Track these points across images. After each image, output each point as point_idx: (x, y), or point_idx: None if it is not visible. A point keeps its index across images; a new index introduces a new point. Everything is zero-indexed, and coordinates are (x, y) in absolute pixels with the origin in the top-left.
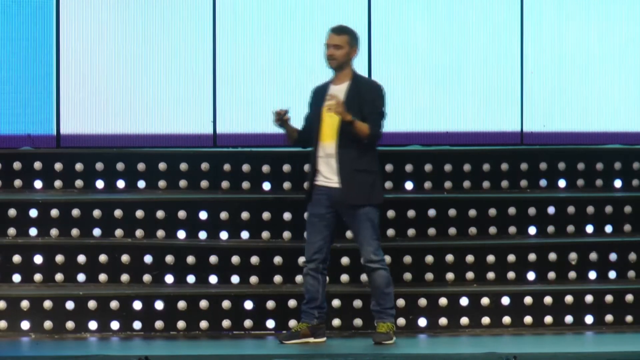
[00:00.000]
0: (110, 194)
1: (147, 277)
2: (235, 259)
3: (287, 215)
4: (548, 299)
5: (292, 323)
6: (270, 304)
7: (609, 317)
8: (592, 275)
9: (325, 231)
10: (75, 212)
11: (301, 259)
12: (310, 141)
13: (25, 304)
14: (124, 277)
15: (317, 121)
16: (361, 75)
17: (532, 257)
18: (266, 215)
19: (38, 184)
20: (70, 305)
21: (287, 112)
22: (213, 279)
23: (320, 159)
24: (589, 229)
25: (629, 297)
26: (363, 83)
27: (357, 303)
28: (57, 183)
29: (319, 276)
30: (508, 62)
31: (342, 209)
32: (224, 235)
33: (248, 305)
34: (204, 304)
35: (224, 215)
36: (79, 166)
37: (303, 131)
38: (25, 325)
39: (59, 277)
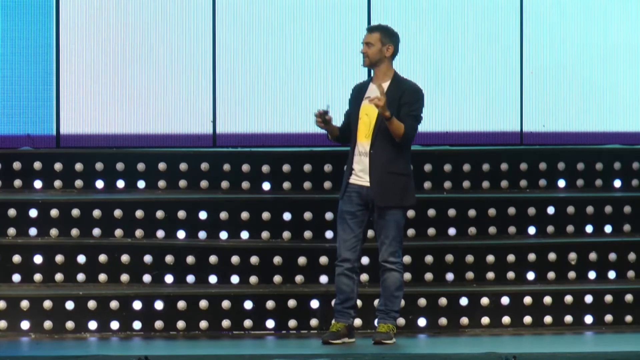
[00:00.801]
0: (110, 194)
1: (146, 277)
2: (235, 259)
3: (286, 215)
4: (548, 299)
5: (292, 323)
6: (270, 304)
7: (608, 317)
8: (592, 275)
9: (357, 229)
10: (75, 212)
11: (302, 259)
12: (350, 138)
13: (25, 304)
14: (124, 277)
15: (355, 119)
16: (402, 77)
17: (531, 257)
18: (266, 215)
19: (38, 184)
20: (70, 305)
21: (328, 112)
22: (213, 279)
23: (355, 157)
24: (589, 229)
25: (629, 297)
26: (404, 85)
27: (357, 303)
28: (57, 183)
29: (354, 275)
30: (508, 62)
31: (372, 208)
32: (223, 235)
33: (248, 305)
34: (203, 304)
35: (223, 215)
36: (78, 166)
37: (343, 128)
38: (25, 325)
39: (58, 277)
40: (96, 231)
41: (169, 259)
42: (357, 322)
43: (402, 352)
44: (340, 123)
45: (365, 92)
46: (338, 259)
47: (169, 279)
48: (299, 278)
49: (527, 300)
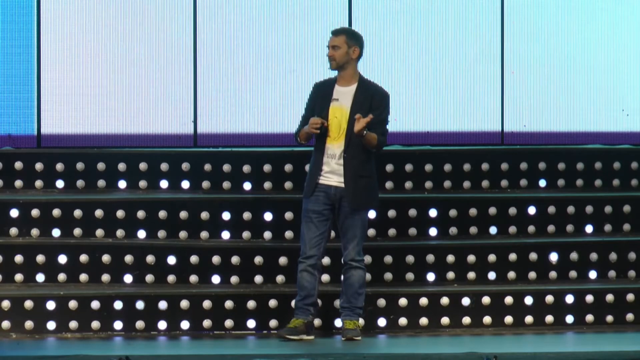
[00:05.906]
0: (91, 194)
1: (128, 277)
2: (215, 259)
3: (267, 215)
4: (529, 299)
5: (273, 323)
6: (251, 304)
7: (589, 317)
8: (573, 274)
9: (322, 227)
10: (56, 212)
11: (283, 259)
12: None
13: (6, 304)
14: (105, 277)
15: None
16: (368, 79)
17: (512, 257)
18: (247, 215)
19: (19, 184)
20: (51, 305)
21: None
22: (194, 278)
23: (324, 158)
24: (570, 228)
25: (625, 297)
26: (372, 89)
27: (338, 303)
28: (38, 183)
29: (316, 272)
30: (489, 62)
31: (341, 209)
32: (204, 235)
33: (228, 305)
34: (184, 304)
35: (204, 215)
36: (59, 166)
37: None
38: (5, 325)
39: (39, 277)
40: (77, 231)
41: (150, 259)
42: (338, 322)
43: (383, 351)
44: (300, 122)
45: (332, 93)
46: (302, 255)
47: (150, 278)
48: (280, 278)
49: (508, 300)
